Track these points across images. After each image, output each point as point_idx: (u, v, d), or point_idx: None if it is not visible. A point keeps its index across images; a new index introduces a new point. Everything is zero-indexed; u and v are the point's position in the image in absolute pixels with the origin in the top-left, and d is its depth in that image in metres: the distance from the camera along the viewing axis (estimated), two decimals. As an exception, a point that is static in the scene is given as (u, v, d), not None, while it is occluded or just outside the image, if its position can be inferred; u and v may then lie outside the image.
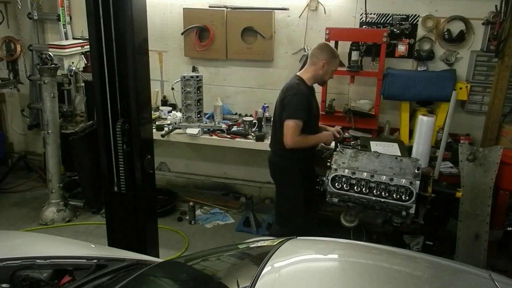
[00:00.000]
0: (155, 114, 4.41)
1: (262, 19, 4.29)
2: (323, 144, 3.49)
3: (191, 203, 4.48)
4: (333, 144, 3.60)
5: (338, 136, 3.43)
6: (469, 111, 4.09)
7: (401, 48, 4.08)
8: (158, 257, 2.98)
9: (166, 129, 4.20)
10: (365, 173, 2.67)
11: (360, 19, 4.15)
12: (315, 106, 3.31)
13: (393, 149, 3.17)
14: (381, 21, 4.11)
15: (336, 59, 3.26)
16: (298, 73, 3.31)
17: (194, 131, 4.08)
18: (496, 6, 3.59)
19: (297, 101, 3.08)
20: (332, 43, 3.97)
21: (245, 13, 4.32)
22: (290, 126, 3.06)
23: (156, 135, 4.01)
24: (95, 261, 2.12)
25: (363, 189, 2.66)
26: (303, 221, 3.33)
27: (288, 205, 3.35)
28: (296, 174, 3.27)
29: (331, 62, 3.21)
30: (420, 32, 4.07)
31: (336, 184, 2.69)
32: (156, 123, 4.25)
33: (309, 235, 3.10)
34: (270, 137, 3.50)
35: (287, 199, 3.35)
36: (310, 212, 3.40)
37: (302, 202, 3.29)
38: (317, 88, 4.22)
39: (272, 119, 3.50)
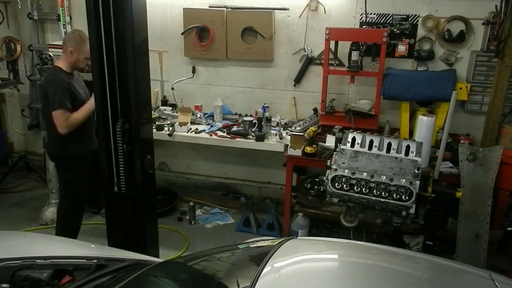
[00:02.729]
0: (155, 114, 4.41)
1: (262, 19, 4.29)
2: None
3: (191, 203, 4.48)
4: (333, 142, 3.66)
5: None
6: (469, 111, 4.09)
7: (401, 48, 4.08)
8: (158, 257, 2.98)
9: (166, 129, 4.20)
10: (365, 173, 2.66)
11: (360, 19, 4.15)
12: (79, 89, 3.44)
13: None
14: (381, 21, 4.11)
15: (85, 46, 3.26)
16: (55, 63, 3.46)
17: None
18: (496, 6, 3.58)
19: (56, 91, 3.23)
20: (332, 43, 3.99)
21: (245, 13, 4.32)
22: (57, 116, 3.23)
23: (157, 135, 4.01)
24: (95, 261, 2.12)
25: (363, 189, 2.65)
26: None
27: (66, 187, 3.59)
28: (71, 157, 3.46)
29: (80, 50, 3.31)
30: (420, 32, 4.07)
31: (336, 184, 2.69)
32: (156, 123, 4.25)
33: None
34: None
35: (65, 182, 3.59)
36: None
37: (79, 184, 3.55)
38: (317, 88, 4.25)
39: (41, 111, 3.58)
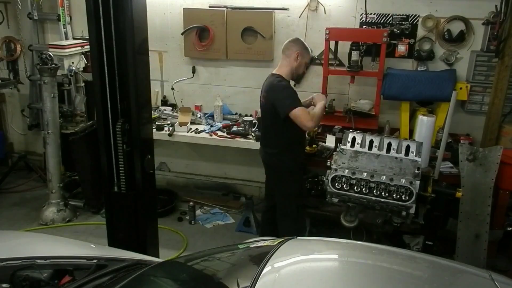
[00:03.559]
0: (155, 114, 4.41)
1: (262, 19, 4.29)
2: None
3: (191, 203, 4.48)
4: (333, 142, 3.70)
5: (325, 96, 3.66)
6: (469, 111, 4.09)
7: (401, 48, 4.08)
8: (158, 257, 2.98)
9: (166, 129, 4.20)
10: (365, 173, 2.67)
11: (360, 19, 4.15)
12: None
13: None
14: (381, 21, 4.11)
15: (308, 51, 3.36)
16: (275, 71, 3.35)
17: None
18: (496, 6, 3.58)
19: (287, 94, 3.16)
20: (332, 43, 3.99)
21: (245, 13, 4.32)
22: (299, 114, 3.08)
23: (157, 135, 4.01)
24: (95, 261, 2.12)
25: (363, 189, 2.66)
26: (303, 213, 3.51)
27: (290, 201, 3.42)
28: (296, 170, 3.38)
29: (304, 54, 3.31)
30: (420, 32, 4.07)
31: (336, 184, 2.69)
32: (156, 123, 4.25)
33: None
34: (261, 140, 3.54)
35: (289, 196, 3.41)
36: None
37: (300, 196, 3.45)
38: (317, 88, 4.25)
39: (262, 124, 3.51)
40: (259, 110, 4.15)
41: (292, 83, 3.50)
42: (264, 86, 3.31)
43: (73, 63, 4.51)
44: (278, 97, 3.16)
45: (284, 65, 3.32)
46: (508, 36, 3.48)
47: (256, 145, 4.04)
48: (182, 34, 4.49)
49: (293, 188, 3.38)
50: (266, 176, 3.63)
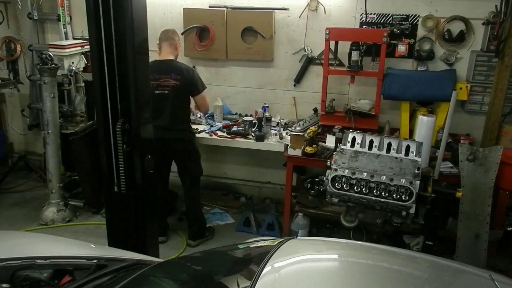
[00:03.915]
0: (155, 114, 4.40)
1: (262, 19, 4.29)
2: None
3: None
4: (333, 142, 3.72)
5: None
6: (469, 111, 4.09)
7: (401, 48, 4.08)
8: (158, 257, 2.98)
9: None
10: (365, 173, 2.66)
11: (360, 19, 4.15)
12: None
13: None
14: (381, 21, 4.11)
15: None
16: (171, 58, 3.81)
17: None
18: (496, 6, 3.59)
19: (198, 75, 3.90)
20: (332, 43, 3.99)
21: (245, 13, 4.32)
22: (205, 96, 3.92)
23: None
24: (95, 261, 2.11)
25: (363, 189, 2.65)
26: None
27: (200, 163, 4.07)
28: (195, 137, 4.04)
29: (180, 42, 3.98)
30: (420, 32, 4.07)
31: (336, 184, 2.69)
32: (156, 123, 4.25)
33: None
34: (163, 117, 3.72)
35: (199, 158, 4.06)
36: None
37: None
38: (317, 88, 4.26)
39: (171, 101, 3.74)
40: (259, 110, 4.17)
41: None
42: (174, 70, 3.72)
43: (73, 63, 4.51)
44: (196, 78, 3.83)
45: (170, 52, 3.83)
46: (508, 36, 3.48)
47: (256, 145, 4.05)
48: (182, 34, 4.48)
49: (199, 152, 4.04)
50: (165, 158, 3.93)
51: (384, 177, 2.63)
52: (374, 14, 4.11)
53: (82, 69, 4.66)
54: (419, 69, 4.12)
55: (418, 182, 2.61)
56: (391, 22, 4.09)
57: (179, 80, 3.69)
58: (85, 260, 2.12)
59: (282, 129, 4.19)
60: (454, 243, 3.48)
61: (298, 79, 4.46)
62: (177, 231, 4.27)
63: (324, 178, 2.76)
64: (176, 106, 3.76)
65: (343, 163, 2.74)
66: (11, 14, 5.06)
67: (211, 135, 4.16)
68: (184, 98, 3.80)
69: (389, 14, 4.09)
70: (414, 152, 2.71)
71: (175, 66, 3.77)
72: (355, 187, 2.66)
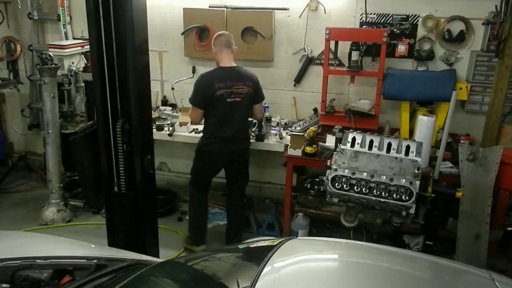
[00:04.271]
0: (155, 114, 4.41)
1: (262, 19, 4.29)
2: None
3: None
4: (333, 142, 3.72)
5: None
6: (469, 111, 4.09)
7: (401, 48, 4.08)
8: (158, 257, 2.98)
9: (166, 129, 4.20)
10: (365, 173, 2.66)
11: (360, 19, 4.15)
12: None
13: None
14: (381, 21, 4.11)
15: None
16: (230, 64, 3.61)
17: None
18: (496, 6, 3.58)
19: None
20: (332, 43, 3.99)
21: (245, 13, 4.32)
22: (262, 104, 3.80)
23: (157, 135, 4.01)
24: (95, 261, 2.12)
25: (363, 189, 2.65)
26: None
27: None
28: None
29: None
30: (420, 32, 4.07)
31: (336, 184, 2.69)
32: (156, 123, 4.25)
33: None
34: (230, 127, 3.59)
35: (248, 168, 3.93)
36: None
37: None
38: (317, 88, 4.26)
39: (242, 109, 3.62)
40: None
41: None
42: (244, 77, 3.59)
43: (73, 63, 4.51)
44: (259, 87, 3.68)
45: (232, 58, 3.65)
46: (508, 36, 3.48)
47: (256, 145, 4.04)
48: (182, 34, 4.49)
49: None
50: (231, 168, 3.90)
51: (384, 177, 2.63)
52: (374, 14, 4.11)
53: (82, 69, 4.67)
54: (419, 69, 4.12)
55: (418, 182, 2.61)
56: (391, 22, 4.09)
57: (251, 87, 3.57)
58: (85, 260, 2.12)
59: (282, 129, 4.19)
60: (454, 243, 3.48)
61: (298, 79, 4.46)
62: (177, 231, 4.27)
63: (324, 178, 2.75)
64: (245, 115, 3.67)
65: (343, 163, 2.74)
66: (11, 14, 5.06)
67: (211, 135, 4.15)
68: (250, 105, 3.65)
69: (389, 14, 4.09)
70: (414, 152, 2.71)
71: (245, 72, 3.63)
72: (355, 187, 2.66)
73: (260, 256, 1.74)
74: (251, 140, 4.02)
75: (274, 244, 1.92)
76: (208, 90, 3.48)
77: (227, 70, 3.56)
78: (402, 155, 2.72)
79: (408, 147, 2.72)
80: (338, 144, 3.28)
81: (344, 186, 2.67)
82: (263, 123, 4.02)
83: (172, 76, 4.70)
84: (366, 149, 2.78)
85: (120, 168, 2.80)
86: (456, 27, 3.98)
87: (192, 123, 3.99)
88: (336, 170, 2.71)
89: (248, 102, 3.60)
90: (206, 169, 3.81)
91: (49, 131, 4.21)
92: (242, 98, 3.54)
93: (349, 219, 2.85)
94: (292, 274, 1.73)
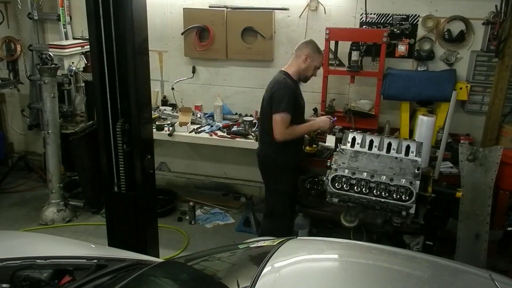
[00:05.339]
0: (155, 114, 4.41)
1: (262, 19, 4.29)
2: (320, 129, 3.51)
3: (191, 203, 4.48)
4: (333, 142, 3.67)
5: (331, 121, 3.47)
6: (469, 111, 4.09)
7: (401, 48, 4.08)
8: (158, 257, 2.98)
9: (166, 129, 4.20)
10: (365, 173, 2.67)
11: (360, 19, 4.15)
12: (301, 100, 3.38)
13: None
14: (381, 21, 4.11)
15: (319, 55, 3.35)
16: (283, 69, 3.37)
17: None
18: (496, 6, 3.58)
19: (285, 94, 3.15)
20: (332, 43, 3.99)
21: (245, 13, 4.32)
22: (279, 120, 3.13)
23: (157, 135, 4.01)
24: (95, 261, 2.12)
25: (363, 189, 2.66)
26: (291, 215, 3.47)
27: (280, 199, 3.39)
28: (287, 167, 3.34)
29: (314, 57, 3.30)
30: (420, 32, 4.07)
31: (336, 184, 2.69)
32: (156, 123, 4.25)
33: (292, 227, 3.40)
34: (258, 131, 3.49)
35: (279, 194, 3.38)
36: (294, 206, 3.57)
37: (290, 196, 3.43)
38: (317, 88, 4.25)
39: (260, 114, 3.51)
40: (259, 110, 4.16)
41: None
42: (272, 80, 3.32)
43: (73, 63, 4.51)
44: (277, 94, 3.16)
45: (293, 64, 3.34)
46: (508, 36, 3.48)
47: (256, 145, 4.04)
48: (182, 34, 4.49)
49: (282, 187, 3.34)
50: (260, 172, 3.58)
51: (384, 177, 2.63)
52: (374, 14, 4.11)
53: (82, 69, 4.66)
54: (419, 69, 4.12)
55: (418, 182, 2.61)
56: (391, 22, 4.09)
57: (267, 91, 3.30)
58: (85, 260, 2.13)
59: (282, 129, 4.18)
60: (454, 243, 3.48)
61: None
62: (178, 229, 4.27)
63: (324, 178, 2.76)
64: (263, 120, 3.37)
65: (343, 163, 2.74)
66: (11, 14, 5.06)
67: (211, 135, 4.16)
68: (269, 113, 3.25)
69: (389, 14, 4.09)
70: (414, 152, 2.71)
71: (275, 76, 3.35)
72: (355, 187, 2.66)
73: (260, 256, 1.74)
74: (250, 140, 4.03)
75: (274, 244, 1.93)
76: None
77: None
78: (402, 155, 2.72)
79: (408, 147, 2.72)
80: (338, 144, 3.29)
81: (344, 186, 2.67)
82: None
83: (172, 76, 4.70)
84: (366, 149, 2.78)
85: (120, 168, 2.80)
86: (456, 27, 3.98)
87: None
88: (336, 170, 2.71)
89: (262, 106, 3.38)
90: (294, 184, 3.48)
91: (49, 131, 4.21)
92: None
93: (349, 219, 2.85)
94: (292, 274, 1.73)
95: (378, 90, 3.95)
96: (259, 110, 3.64)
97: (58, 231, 4.19)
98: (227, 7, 4.36)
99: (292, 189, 3.43)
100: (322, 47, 4.07)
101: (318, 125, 3.41)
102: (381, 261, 1.92)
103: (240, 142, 4.11)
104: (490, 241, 3.42)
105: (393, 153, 2.74)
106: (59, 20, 4.76)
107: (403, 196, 2.58)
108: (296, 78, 3.33)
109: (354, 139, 2.81)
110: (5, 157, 5.46)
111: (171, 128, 4.18)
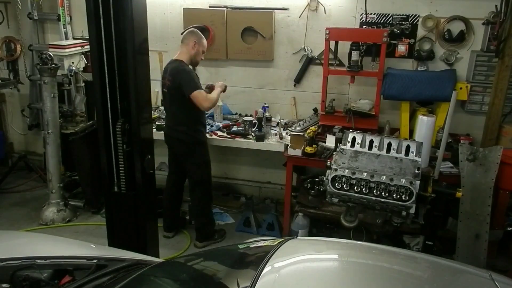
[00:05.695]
0: (155, 114, 4.41)
1: (262, 19, 4.29)
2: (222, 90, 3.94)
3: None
4: (333, 142, 3.71)
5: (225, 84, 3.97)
6: (469, 111, 4.09)
7: (401, 48, 4.08)
8: (158, 257, 2.98)
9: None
10: (365, 173, 2.66)
11: (360, 19, 4.15)
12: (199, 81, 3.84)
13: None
14: (381, 21, 4.11)
15: (204, 40, 3.83)
16: (175, 58, 3.76)
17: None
18: (496, 6, 3.58)
19: (190, 76, 3.65)
20: (332, 43, 3.99)
21: (245, 13, 4.32)
22: (198, 95, 3.61)
23: (157, 135, 4.01)
24: (95, 261, 2.12)
25: (363, 189, 2.65)
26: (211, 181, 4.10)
27: (206, 169, 3.95)
28: (204, 140, 3.93)
29: (201, 43, 3.78)
30: (420, 32, 4.07)
31: (336, 184, 2.69)
32: (156, 123, 4.25)
33: None
34: (167, 118, 3.96)
35: (204, 164, 3.93)
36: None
37: (208, 164, 4.00)
38: (317, 88, 4.26)
39: (168, 104, 3.86)
40: (259, 110, 4.17)
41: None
42: (169, 70, 3.71)
43: (73, 63, 4.51)
44: (184, 80, 3.61)
45: (184, 52, 3.75)
46: (508, 36, 3.48)
47: (256, 145, 4.05)
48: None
49: (205, 157, 3.91)
50: (171, 154, 4.08)
51: (384, 177, 2.63)
52: (374, 14, 4.11)
53: (82, 69, 4.66)
54: (419, 69, 4.12)
55: (418, 182, 2.61)
56: (391, 22, 4.09)
57: (171, 80, 3.69)
58: (85, 260, 2.13)
59: (282, 129, 4.19)
60: (454, 243, 3.48)
61: (298, 79, 4.46)
62: (182, 230, 4.27)
63: (324, 178, 2.75)
64: (173, 106, 3.82)
65: (343, 163, 2.74)
66: (11, 14, 5.06)
67: (211, 135, 4.16)
68: (180, 99, 3.71)
69: (389, 14, 4.09)
70: (414, 152, 2.71)
71: (172, 66, 3.74)
72: (355, 187, 2.66)
73: (260, 256, 1.74)
74: (251, 140, 4.02)
75: (274, 244, 1.92)
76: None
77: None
78: (402, 155, 2.72)
79: (408, 147, 2.72)
80: (338, 144, 3.29)
81: (344, 186, 2.67)
82: (263, 123, 4.02)
83: (172, 76, 4.70)
84: (366, 149, 2.78)
85: (120, 168, 2.80)
86: (456, 27, 3.98)
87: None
88: (336, 170, 2.71)
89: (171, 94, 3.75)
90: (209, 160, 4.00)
91: (49, 131, 4.21)
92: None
93: (349, 219, 2.85)
94: (292, 274, 1.73)
95: (378, 90, 3.95)
96: (263, 111, 4.10)
97: (58, 231, 4.19)
98: (227, 7, 4.36)
99: (208, 158, 3.96)
100: (322, 47, 4.10)
101: (220, 88, 3.88)
102: (381, 261, 1.92)
103: (240, 142, 4.11)
104: (490, 241, 3.43)
105: (393, 153, 2.73)
106: (59, 20, 4.76)
107: (403, 196, 2.58)
108: (188, 64, 3.75)
109: (354, 139, 2.81)
110: (5, 157, 5.46)
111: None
